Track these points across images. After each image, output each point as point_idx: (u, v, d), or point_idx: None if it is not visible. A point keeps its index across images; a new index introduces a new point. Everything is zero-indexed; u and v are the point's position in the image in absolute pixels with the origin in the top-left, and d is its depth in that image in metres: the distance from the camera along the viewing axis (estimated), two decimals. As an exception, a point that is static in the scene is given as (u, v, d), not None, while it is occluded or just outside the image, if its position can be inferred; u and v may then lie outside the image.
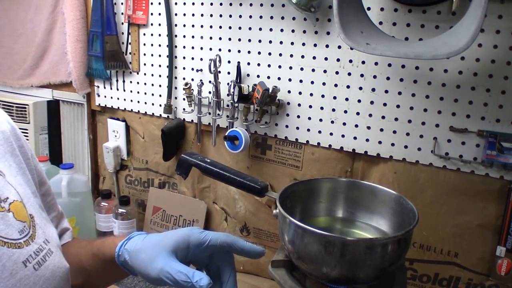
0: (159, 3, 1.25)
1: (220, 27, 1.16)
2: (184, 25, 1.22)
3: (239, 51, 1.15)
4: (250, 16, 1.11)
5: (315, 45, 1.04)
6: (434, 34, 0.90)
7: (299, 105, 1.09)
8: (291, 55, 1.08)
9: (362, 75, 1.00)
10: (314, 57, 1.05)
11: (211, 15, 1.17)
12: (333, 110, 1.05)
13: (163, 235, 0.62)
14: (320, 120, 1.07)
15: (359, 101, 1.02)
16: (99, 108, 1.47)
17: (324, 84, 1.05)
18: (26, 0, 1.47)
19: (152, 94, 1.33)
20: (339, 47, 1.01)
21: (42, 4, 1.44)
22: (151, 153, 1.39)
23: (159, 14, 1.26)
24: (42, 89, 1.53)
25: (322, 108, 1.06)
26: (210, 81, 1.20)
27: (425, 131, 0.96)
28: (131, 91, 1.38)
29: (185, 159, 0.93)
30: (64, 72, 1.45)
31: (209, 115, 1.21)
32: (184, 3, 1.21)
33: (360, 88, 1.01)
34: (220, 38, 1.17)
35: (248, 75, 1.15)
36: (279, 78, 1.11)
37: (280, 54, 1.09)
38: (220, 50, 1.18)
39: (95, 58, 1.37)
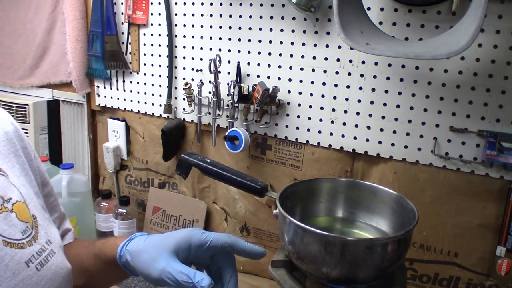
0: (159, 3, 1.25)
1: (220, 27, 1.16)
2: (184, 25, 1.23)
3: (239, 51, 1.15)
4: (250, 16, 1.11)
5: (315, 45, 1.04)
6: (434, 34, 0.90)
7: (299, 105, 1.09)
8: (291, 55, 1.08)
9: (362, 75, 1.00)
10: (314, 57, 1.05)
11: (211, 15, 1.17)
12: (333, 110, 1.05)
13: (164, 235, 0.62)
14: (320, 120, 1.07)
15: (359, 101, 1.02)
16: (99, 108, 1.47)
17: (324, 84, 1.05)
18: (26, 0, 1.47)
19: (152, 94, 1.33)
20: (339, 47, 1.01)
21: (42, 4, 1.44)
22: (151, 153, 1.39)
23: (159, 14, 1.26)
24: (42, 89, 1.53)
25: (322, 108, 1.06)
26: (210, 81, 1.20)
27: (425, 131, 0.96)
28: (131, 91, 1.38)
29: (185, 159, 0.93)
30: (64, 72, 1.45)
31: (209, 115, 1.21)
32: (184, 3, 1.21)
33: (360, 88, 1.01)
34: (220, 38, 1.17)
35: (248, 75, 1.15)
36: (279, 78, 1.11)
37: (280, 54, 1.09)
38: (220, 50, 1.18)
39: (95, 58, 1.37)
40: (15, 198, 0.57)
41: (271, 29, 1.09)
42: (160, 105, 1.31)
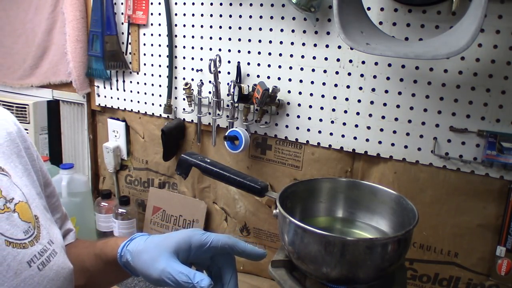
0: (159, 3, 1.25)
1: (220, 27, 1.16)
2: (184, 25, 1.23)
3: (239, 51, 1.15)
4: (250, 16, 1.11)
5: (315, 45, 1.04)
6: (434, 34, 0.90)
7: (299, 105, 1.09)
8: (291, 55, 1.08)
9: (362, 75, 1.00)
10: (314, 57, 1.05)
11: (211, 15, 1.17)
12: (333, 110, 1.05)
13: (165, 236, 0.62)
14: (320, 120, 1.07)
15: (359, 101, 1.02)
16: (99, 108, 1.47)
17: (324, 84, 1.05)
18: (26, 0, 1.47)
19: (152, 94, 1.33)
20: (339, 47, 1.01)
21: (42, 4, 1.44)
22: (151, 153, 1.39)
23: (159, 14, 1.26)
24: (42, 89, 1.53)
25: (322, 108, 1.06)
26: (210, 81, 1.20)
27: (425, 131, 0.96)
28: (131, 91, 1.38)
29: (185, 159, 0.93)
30: (64, 72, 1.45)
31: (209, 115, 1.21)
32: (184, 3, 1.21)
33: (360, 88, 1.01)
34: (220, 38, 1.17)
35: (248, 75, 1.15)
36: (279, 78, 1.11)
37: (280, 54, 1.09)
38: (220, 50, 1.18)
39: (95, 58, 1.37)
40: (18, 198, 0.57)
41: (271, 29, 1.09)
42: (160, 105, 1.31)
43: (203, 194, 1.32)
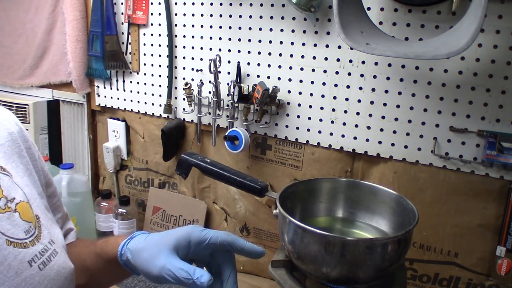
0: (159, 3, 1.25)
1: (220, 27, 1.16)
2: (184, 25, 1.23)
3: (239, 51, 1.15)
4: (250, 16, 1.11)
5: (315, 45, 1.04)
6: (434, 34, 0.90)
7: (299, 105, 1.09)
8: (291, 55, 1.08)
9: (362, 75, 1.00)
10: (314, 57, 1.05)
11: (211, 15, 1.17)
12: (333, 110, 1.05)
13: (164, 233, 0.62)
14: (320, 120, 1.07)
15: (359, 101, 1.02)
16: (99, 108, 1.47)
17: (324, 84, 1.05)
18: (26, 0, 1.47)
19: (152, 94, 1.33)
20: (339, 47, 1.01)
21: (42, 4, 1.44)
22: (151, 153, 1.39)
23: (159, 14, 1.26)
24: (42, 89, 1.53)
25: (322, 108, 1.06)
26: (210, 81, 1.20)
27: (425, 131, 0.96)
28: (131, 91, 1.38)
29: (185, 159, 0.93)
30: (64, 72, 1.45)
31: (209, 115, 1.21)
32: (184, 3, 1.21)
33: (360, 88, 1.01)
34: (220, 38, 1.17)
35: (248, 75, 1.15)
36: (279, 78, 1.11)
37: (280, 54, 1.09)
38: (220, 50, 1.18)
39: (95, 58, 1.37)
40: (19, 198, 0.58)
41: (271, 29, 1.09)
42: (160, 105, 1.31)
43: (203, 194, 1.32)
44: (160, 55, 1.29)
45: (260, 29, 1.10)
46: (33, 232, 0.57)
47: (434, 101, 0.94)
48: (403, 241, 0.71)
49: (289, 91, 1.10)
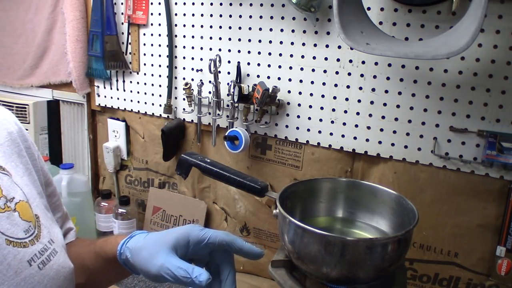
0: (159, 3, 1.25)
1: (220, 27, 1.16)
2: (184, 25, 1.23)
3: (239, 51, 1.15)
4: (250, 16, 1.11)
5: (315, 45, 1.04)
6: (434, 34, 0.90)
7: (299, 105, 1.09)
8: (291, 55, 1.08)
9: (362, 75, 1.00)
10: (314, 57, 1.05)
11: (211, 15, 1.17)
12: (333, 110, 1.05)
13: (164, 232, 0.62)
14: (320, 120, 1.07)
15: (359, 101, 1.02)
16: (99, 108, 1.47)
17: (324, 84, 1.05)
18: (26, 0, 1.47)
19: (152, 94, 1.33)
20: (339, 47, 1.01)
21: (42, 4, 1.44)
22: (151, 153, 1.39)
23: (159, 14, 1.26)
24: (42, 89, 1.53)
25: (322, 108, 1.06)
26: (210, 81, 1.20)
27: (425, 131, 0.96)
28: (131, 91, 1.38)
29: (185, 159, 0.93)
30: (64, 72, 1.45)
31: (209, 115, 1.21)
32: (184, 3, 1.21)
33: (360, 88, 1.01)
34: (220, 38, 1.17)
35: (248, 75, 1.15)
36: (279, 78, 1.11)
37: (280, 54, 1.09)
38: (220, 50, 1.18)
39: (95, 58, 1.37)
40: (18, 198, 0.58)
41: (271, 29, 1.09)
42: (160, 105, 1.31)
43: (203, 194, 1.32)
44: (160, 55, 1.29)
45: (260, 29, 1.10)
46: (33, 232, 0.57)
47: (434, 101, 0.94)
48: (403, 241, 0.71)
49: (289, 91, 1.10)
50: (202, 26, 1.19)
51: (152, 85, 1.33)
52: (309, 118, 1.08)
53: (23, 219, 0.56)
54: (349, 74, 1.01)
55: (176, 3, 1.22)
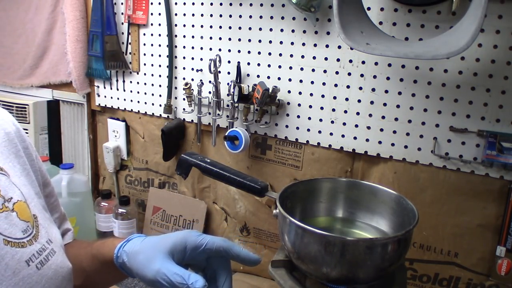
0: (159, 3, 1.25)
1: (220, 27, 1.16)
2: (184, 25, 1.23)
3: (239, 51, 1.15)
4: (250, 16, 1.11)
5: (315, 45, 1.04)
6: (434, 34, 0.90)
7: (299, 105, 1.09)
8: (291, 55, 1.08)
9: (362, 75, 1.00)
10: (314, 57, 1.05)
11: (211, 15, 1.17)
12: (333, 110, 1.05)
13: (161, 237, 0.62)
14: (320, 120, 1.07)
15: (359, 101, 1.02)
16: (99, 108, 1.47)
17: (324, 84, 1.05)
18: (26, 0, 1.47)
19: (152, 94, 1.33)
20: (339, 47, 1.01)
21: (42, 4, 1.44)
22: (151, 153, 1.39)
23: (159, 14, 1.26)
24: (42, 89, 1.54)
25: (322, 108, 1.06)
26: (210, 81, 1.20)
27: (425, 131, 0.96)
28: (131, 91, 1.38)
29: (185, 159, 0.93)
30: (64, 72, 1.45)
31: (209, 115, 1.21)
32: (184, 3, 1.21)
33: (360, 88, 1.01)
34: (220, 38, 1.17)
35: (248, 75, 1.15)
36: (279, 78, 1.11)
37: (280, 54, 1.09)
38: (220, 50, 1.18)
39: (95, 58, 1.37)
40: (16, 198, 0.58)
41: (271, 29, 1.09)
42: (160, 105, 1.31)
43: (203, 194, 1.32)
44: (160, 55, 1.29)
45: (260, 29, 1.10)
46: (31, 232, 0.57)
47: (434, 101, 0.94)
48: (403, 241, 0.71)
49: (289, 91, 1.10)
50: (202, 26, 1.19)
51: (152, 85, 1.33)
52: (309, 118, 1.08)
53: (21, 219, 0.56)
54: (349, 74, 1.01)
55: (176, 3, 1.22)
